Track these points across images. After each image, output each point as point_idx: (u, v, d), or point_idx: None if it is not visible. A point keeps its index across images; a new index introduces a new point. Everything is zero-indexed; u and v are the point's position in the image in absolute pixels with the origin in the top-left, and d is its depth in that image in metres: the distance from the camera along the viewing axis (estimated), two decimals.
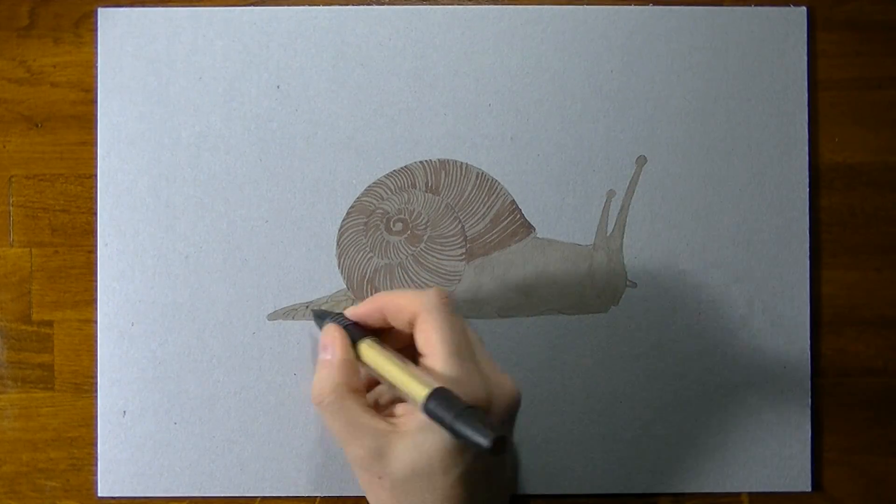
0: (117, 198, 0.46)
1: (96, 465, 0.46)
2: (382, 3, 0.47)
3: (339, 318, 0.41)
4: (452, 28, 0.47)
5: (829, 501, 0.47)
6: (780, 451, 0.46)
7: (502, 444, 0.34)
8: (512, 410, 0.39)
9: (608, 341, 0.46)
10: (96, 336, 0.46)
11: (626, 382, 0.46)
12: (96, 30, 0.46)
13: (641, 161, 0.47)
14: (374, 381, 0.42)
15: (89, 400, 0.46)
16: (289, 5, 0.47)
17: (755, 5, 0.47)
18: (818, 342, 0.47)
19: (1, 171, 0.47)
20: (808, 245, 0.47)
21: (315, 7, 0.47)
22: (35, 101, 0.47)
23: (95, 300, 0.46)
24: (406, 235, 0.46)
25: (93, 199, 0.46)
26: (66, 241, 0.47)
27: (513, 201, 0.47)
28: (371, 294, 0.46)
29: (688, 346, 0.46)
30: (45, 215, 0.47)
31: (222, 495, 0.46)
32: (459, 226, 0.47)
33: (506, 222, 0.47)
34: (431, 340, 0.38)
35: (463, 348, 0.38)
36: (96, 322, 0.46)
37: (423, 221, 0.47)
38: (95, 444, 0.46)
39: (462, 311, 0.46)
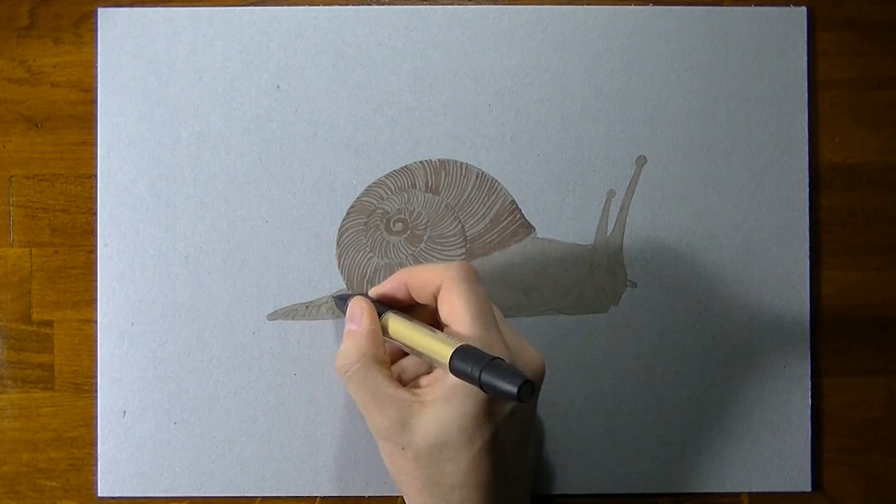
0: (117, 198, 0.46)
1: (96, 465, 0.46)
2: (382, 3, 0.47)
3: (363, 296, 0.42)
4: (452, 28, 0.47)
5: (829, 501, 0.47)
6: (780, 451, 0.46)
7: (530, 389, 0.33)
8: (537, 381, 0.39)
9: (608, 341, 0.46)
10: (96, 336, 0.46)
11: (626, 382, 0.46)
12: (96, 30, 0.46)
13: (641, 161, 0.47)
14: (397, 356, 0.42)
15: (89, 400, 0.46)
16: (289, 5, 0.47)
17: (755, 5, 0.47)
18: (818, 342, 0.47)
19: (1, 171, 0.47)
20: (808, 245, 0.47)
21: (315, 7, 0.47)
22: (35, 101, 0.47)
23: (95, 300, 0.46)
24: (406, 235, 0.46)
25: (93, 199, 0.46)
26: (66, 241, 0.46)
27: (513, 201, 0.47)
28: None
29: (688, 346, 0.46)
30: (45, 215, 0.47)
31: (222, 495, 0.46)
32: (459, 226, 0.47)
33: (506, 222, 0.46)
34: (456, 308, 0.38)
35: (488, 316, 0.38)
36: (96, 322, 0.46)
37: (423, 221, 0.47)
38: (95, 444, 0.46)
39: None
